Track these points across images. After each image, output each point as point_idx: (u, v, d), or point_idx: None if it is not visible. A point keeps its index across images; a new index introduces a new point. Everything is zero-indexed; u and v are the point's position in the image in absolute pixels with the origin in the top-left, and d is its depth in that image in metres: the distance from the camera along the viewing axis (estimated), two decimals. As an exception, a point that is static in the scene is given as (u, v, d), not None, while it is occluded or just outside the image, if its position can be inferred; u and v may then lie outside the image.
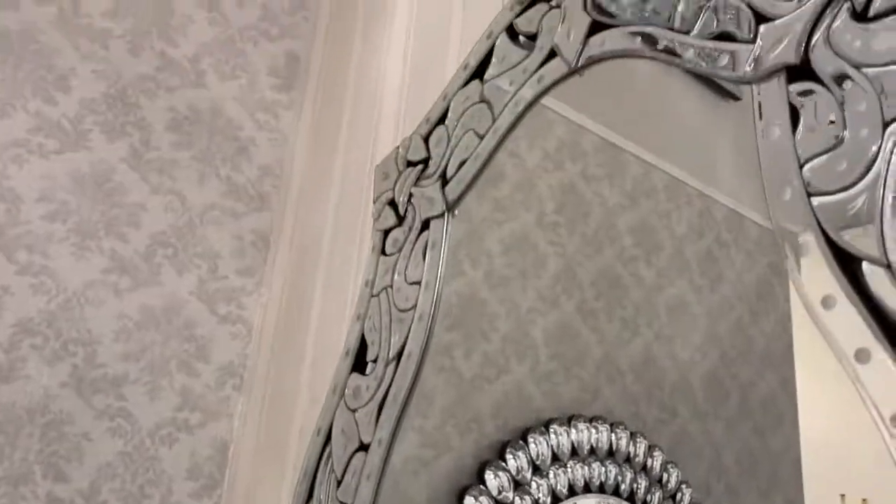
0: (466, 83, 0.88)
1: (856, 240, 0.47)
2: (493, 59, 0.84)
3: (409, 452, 0.81)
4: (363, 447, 0.81)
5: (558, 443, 0.82)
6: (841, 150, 0.49)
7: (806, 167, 0.51)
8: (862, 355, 0.44)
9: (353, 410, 0.85)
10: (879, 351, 0.43)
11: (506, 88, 0.80)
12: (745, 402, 0.71)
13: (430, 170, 0.89)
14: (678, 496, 0.77)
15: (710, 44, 0.60)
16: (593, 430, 0.81)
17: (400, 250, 0.88)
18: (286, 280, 1.30)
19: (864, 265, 0.46)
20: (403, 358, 0.80)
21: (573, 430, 0.82)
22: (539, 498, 0.81)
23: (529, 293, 0.83)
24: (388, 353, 0.83)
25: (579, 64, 0.73)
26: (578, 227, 0.79)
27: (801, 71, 0.53)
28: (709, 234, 0.74)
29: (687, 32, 0.63)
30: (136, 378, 1.19)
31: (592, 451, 0.81)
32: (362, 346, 0.89)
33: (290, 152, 1.42)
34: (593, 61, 0.72)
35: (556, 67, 0.75)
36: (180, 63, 1.36)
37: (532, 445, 0.82)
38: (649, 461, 0.78)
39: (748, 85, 0.56)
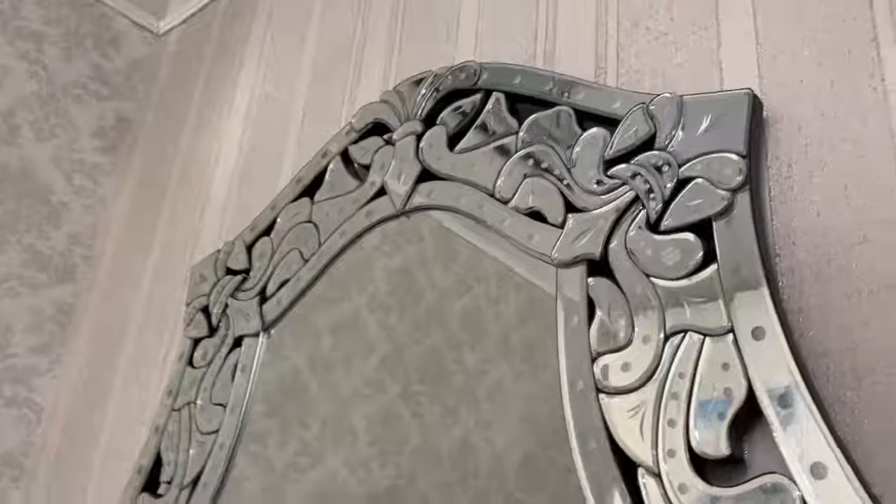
0: (297, 198, 0.87)
1: (636, 445, 0.50)
2: (326, 181, 0.84)
3: None
4: None
5: None
6: (628, 352, 0.53)
7: (596, 362, 0.54)
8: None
9: None
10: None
11: (334, 216, 0.80)
12: (564, 486, 0.72)
13: (250, 283, 0.86)
14: None
15: (524, 220, 0.64)
16: None
17: (209, 365, 0.84)
18: (86, 363, 1.20)
19: (640, 471, 0.49)
20: (199, 486, 0.76)
21: None
22: None
23: (354, 377, 0.80)
24: (184, 479, 0.78)
25: (406, 208, 0.74)
26: (409, 310, 0.77)
27: (600, 266, 0.57)
28: (533, 322, 0.75)
29: (506, 203, 0.66)
30: None
31: None
32: (157, 463, 0.84)
33: (105, 221, 1.33)
34: (421, 209, 0.74)
35: (384, 206, 0.76)
36: (-9, 115, 1.24)
37: None
38: None
39: (552, 267, 0.60)
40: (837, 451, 0.42)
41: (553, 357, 0.62)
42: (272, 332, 0.81)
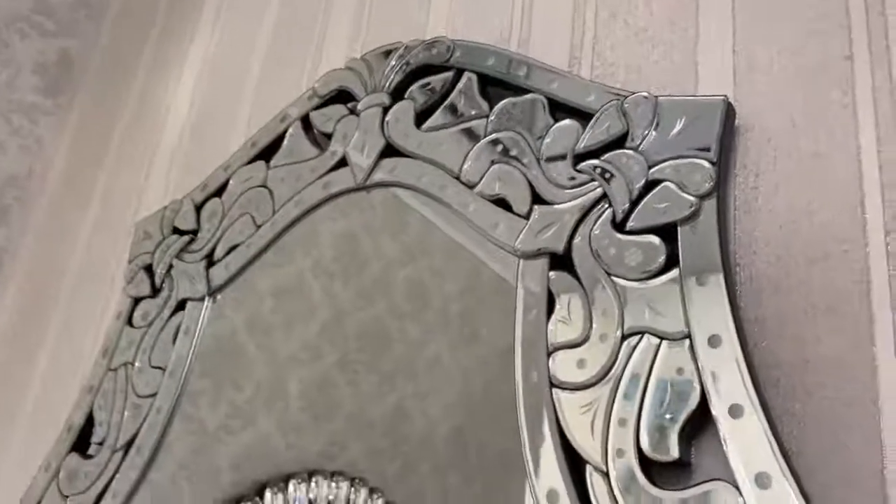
0: (252, 161, 0.84)
1: (586, 442, 0.50)
2: (284, 146, 0.82)
3: None
4: None
5: (295, 498, 0.79)
6: (584, 349, 0.53)
7: (552, 356, 0.54)
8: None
9: (66, 497, 0.77)
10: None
11: (291, 183, 0.78)
12: (483, 458, 0.73)
13: (198, 244, 0.83)
14: None
15: (489, 206, 0.63)
16: (333, 486, 0.79)
17: (149, 326, 0.81)
18: (17, 311, 1.15)
19: (588, 468, 0.49)
20: (133, 451, 0.74)
21: (313, 486, 0.79)
22: None
23: (293, 342, 0.79)
24: (117, 441, 0.76)
25: (367, 184, 0.73)
26: (354, 278, 0.76)
27: (562, 261, 0.57)
28: (472, 295, 0.75)
29: (472, 187, 0.65)
30: None
31: None
32: (89, 422, 0.81)
33: (43, 164, 1.27)
34: (383, 185, 0.72)
35: (344, 178, 0.74)
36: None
37: (267, 500, 0.78)
38: None
39: (514, 258, 0.59)
40: (782, 462, 0.43)
41: (495, 335, 0.62)
42: (218, 297, 0.79)
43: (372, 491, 0.76)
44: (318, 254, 0.79)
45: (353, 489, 0.77)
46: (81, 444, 0.81)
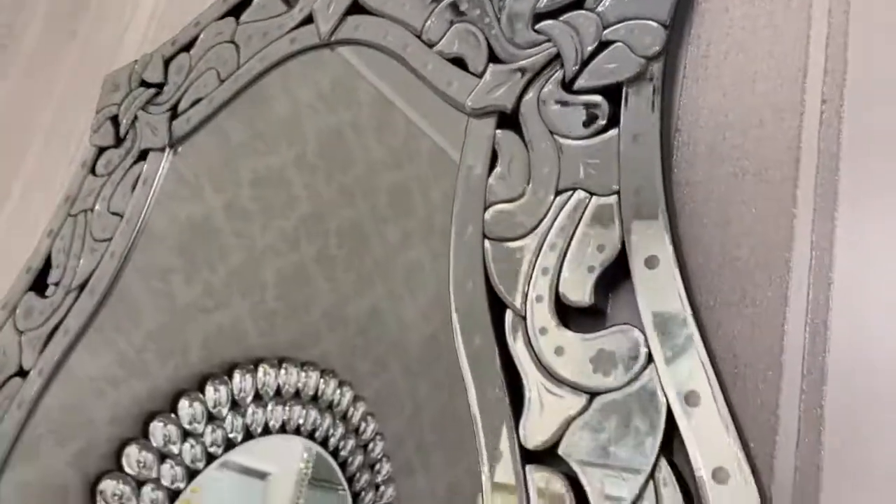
0: (222, 17, 0.83)
1: (509, 290, 0.51)
2: (255, 3, 0.81)
3: (97, 372, 0.76)
4: (22, 373, 0.75)
5: (265, 382, 0.81)
6: (519, 204, 0.54)
7: (489, 210, 0.55)
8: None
9: (21, 332, 0.79)
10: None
11: (257, 40, 0.77)
12: (453, 367, 0.75)
13: (164, 97, 0.83)
14: (370, 445, 0.80)
15: (447, 66, 0.63)
16: (302, 374, 0.81)
17: (110, 174, 0.82)
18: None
19: (508, 312, 0.51)
20: (86, 292, 0.75)
21: (282, 372, 0.81)
22: (231, 434, 0.81)
23: (271, 231, 0.80)
24: (72, 282, 0.77)
25: (331, 40, 0.72)
26: (337, 175, 0.77)
27: (509, 118, 0.57)
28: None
29: (431, 46, 0.64)
30: None
31: (297, 394, 0.80)
32: (47, 265, 0.82)
33: (25, 15, 1.25)
34: (346, 42, 0.71)
35: (308, 35, 0.74)
36: None
37: (236, 381, 0.80)
38: (351, 410, 0.79)
39: (464, 115, 0.59)
40: (689, 309, 0.44)
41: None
42: (179, 149, 0.79)
43: (341, 384, 0.78)
44: (302, 146, 0.79)
45: (322, 380, 0.79)
46: (39, 285, 0.82)
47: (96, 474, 0.74)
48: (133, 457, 0.76)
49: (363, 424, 0.77)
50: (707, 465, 0.40)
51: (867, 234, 0.43)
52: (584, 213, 0.50)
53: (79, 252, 0.79)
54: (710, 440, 0.40)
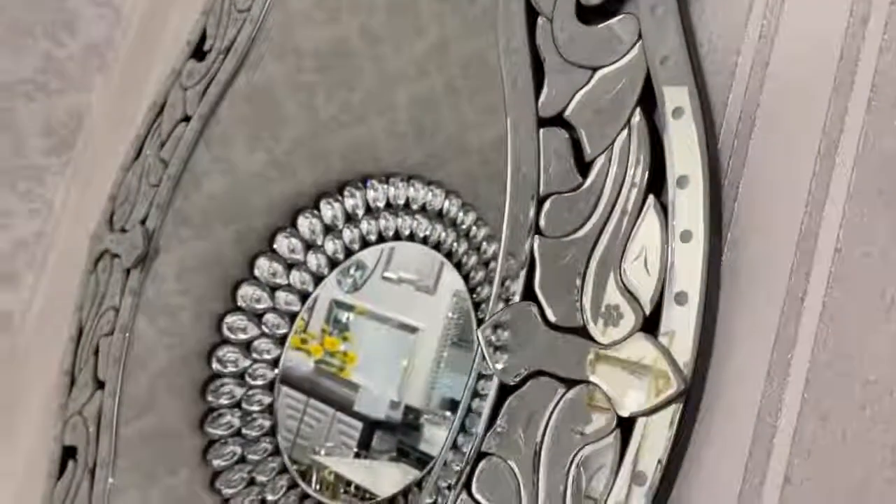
0: None
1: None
2: None
3: (255, 169, 0.90)
4: (186, 119, 0.93)
5: (395, 194, 0.90)
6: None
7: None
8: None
9: (185, 89, 0.96)
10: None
11: None
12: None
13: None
14: (492, 264, 0.81)
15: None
16: (429, 192, 0.89)
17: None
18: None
19: (539, 20, 0.60)
20: (231, 52, 0.90)
21: (411, 187, 0.90)
22: (367, 235, 0.92)
23: (403, 57, 0.86)
24: (222, 45, 0.92)
25: None
26: (463, 6, 0.82)
27: None
28: None
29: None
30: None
31: (423, 208, 0.89)
32: (203, 38, 0.97)
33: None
34: None
35: None
36: None
37: (370, 191, 0.92)
38: (473, 230, 0.86)
39: None
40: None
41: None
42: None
43: (465, 205, 0.87)
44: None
45: (447, 200, 0.88)
46: (198, 54, 0.97)
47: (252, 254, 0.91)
48: (283, 244, 0.93)
49: (484, 244, 0.85)
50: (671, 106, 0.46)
51: None
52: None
53: (226, 23, 0.93)
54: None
